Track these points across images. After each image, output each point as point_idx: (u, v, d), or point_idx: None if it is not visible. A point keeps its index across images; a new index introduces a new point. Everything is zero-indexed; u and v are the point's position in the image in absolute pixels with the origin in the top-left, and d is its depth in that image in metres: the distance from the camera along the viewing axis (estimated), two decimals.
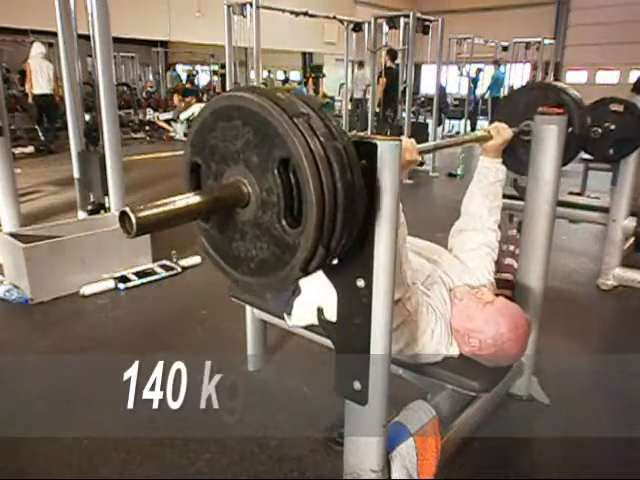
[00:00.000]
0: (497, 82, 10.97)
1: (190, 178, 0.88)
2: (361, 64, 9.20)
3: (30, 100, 7.54)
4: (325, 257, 0.80)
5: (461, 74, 10.91)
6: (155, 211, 0.72)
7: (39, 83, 7.24)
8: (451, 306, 1.46)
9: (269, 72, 16.44)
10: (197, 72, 15.35)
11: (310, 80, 13.66)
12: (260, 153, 0.78)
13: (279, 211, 0.78)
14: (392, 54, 6.87)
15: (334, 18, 7.33)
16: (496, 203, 1.68)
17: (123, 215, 0.70)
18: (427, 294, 1.44)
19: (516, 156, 1.74)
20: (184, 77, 14.07)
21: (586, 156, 4.18)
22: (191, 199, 0.76)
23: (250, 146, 0.78)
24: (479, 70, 11.53)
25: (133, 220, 0.69)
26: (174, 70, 14.29)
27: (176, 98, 10.54)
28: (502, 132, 1.62)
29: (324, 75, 14.34)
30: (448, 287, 1.52)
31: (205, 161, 0.86)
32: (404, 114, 6.44)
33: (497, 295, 1.48)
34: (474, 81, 11.29)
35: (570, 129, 1.64)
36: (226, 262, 0.90)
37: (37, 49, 7.26)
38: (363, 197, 0.82)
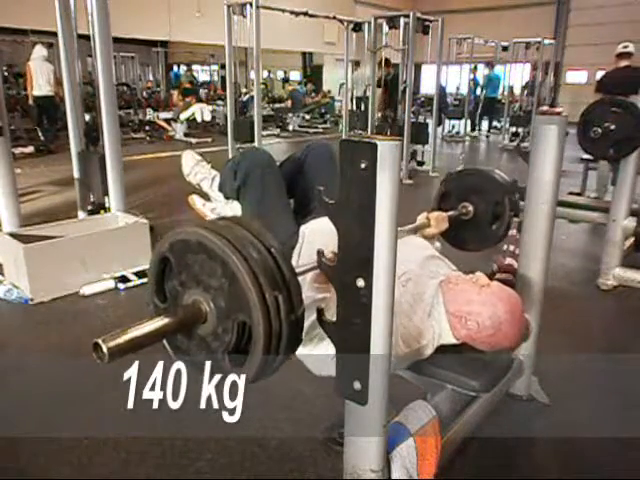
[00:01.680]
0: (491, 83, 10.97)
1: (158, 268, 0.96)
2: (357, 64, 9.23)
3: (30, 101, 7.54)
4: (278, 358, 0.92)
5: (470, 77, 10.91)
6: (125, 338, 0.84)
7: (39, 85, 7.25)
8: (445, 292, 1.46)
9: (269, 72, 16.45)
10: (197, 74, 15.35)
11: (309, 81, 13.68)
12: (228, 303, 0.87)
13: (226, 349, 0.89)
14: (387, 62, 6.94)
15: (334, 18, 7.33)
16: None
17: (96, 346, 0.80)
18: (400, 290, 1.44)
19: (457, 234, 1.86)
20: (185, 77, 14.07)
21: (586, 156, 4.19)
22: (158, 323, 0.88)
23: (222, 292, 0.87)
24: (476, 68, 11.53)
25: (104, 350, 0.80)
26: (188, 68, 14.24)
27: (175, 95, 10.53)
28: (440, 224, 1.75)
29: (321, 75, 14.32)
30: (432, 277, 1.52)
31: (178, 266, 0.93)
32: (404, 114, 6.43)
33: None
34: (474, 81, 11.30)
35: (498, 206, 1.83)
36: (172, 350, 1.03)
37: (39, 52, 7.26)
38: (298, 345, 0.94)
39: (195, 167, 2.03)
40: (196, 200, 2.08)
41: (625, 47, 4.89)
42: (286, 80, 16.20)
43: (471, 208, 1.85)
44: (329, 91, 14.10)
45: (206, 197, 2.08)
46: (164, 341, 1.00)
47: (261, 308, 0.82)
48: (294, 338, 0.89)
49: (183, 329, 0.92)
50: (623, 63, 4.91)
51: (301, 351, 1.34)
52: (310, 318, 1.30)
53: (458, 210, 1.85)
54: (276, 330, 0.84)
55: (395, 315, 1.35)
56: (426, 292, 1.47)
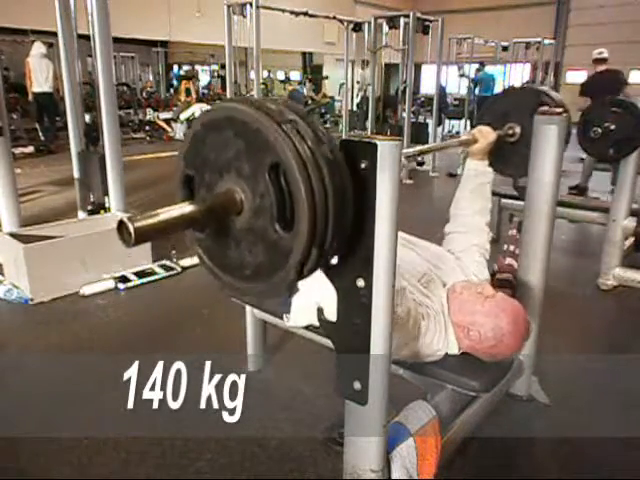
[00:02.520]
0: (483, 83, 10.95)
1: (183, 190, 0.89)
2: (364, 62, 9.24)
3: (30, 98, 7.55)
4: (319, 259, 0.82)
5: (462, 74, 10.90)
6: (151, 221, 0.74)
7: (39, 81, 7.25)
8: (449, 301, 1.47)
9: (269, 72, 16.44)
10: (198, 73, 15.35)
11: (308, 81, 13.65)
12: (251, 161, 0.80)
13: (272, 216, 0.79)
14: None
15: (334, 18, 7.33)
16: (486, 204, 1.71)
17: (121, 225, 0.71)
18: (424, 292, 1.45)
19: (502, 158, 1.76)
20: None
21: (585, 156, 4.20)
22: (186, 209, 0.79)
23: (241, 155, 0.80)
24: (478, 70, 11.52)
25: (131, 229, 0.70)
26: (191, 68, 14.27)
27: (183, 85, 10.52)
28: (486, 135, 1.65)
29: (326, 77, 14.31)
30: (444, 284, 1.53)
31: (198, 173, 0.87)
32: (404, 114, 6.44)
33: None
34: (474, 81, 11.29)
35: None
36: (222, 270, 0.91)
37: (37, 49, 7.27)
38: (351, 199, 0.84)
39: None
40: None
41: (600, 53, 5.25)
42: (286, 80, 16.20)
43: (518, 129, 1.73)
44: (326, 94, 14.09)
45: None
46: (209, 265, 0.92)
47: (281, 135, 0.75)
48: (338, 177, 0.79)
49: (216, 216, 0.83)
50: (601, 68, 5.21)
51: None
52: None
53: (504, 130, 1.73)
54: (310, 160, 0.76)
55: (424, 315, 1.37)
56: (442, 297, 1.48)
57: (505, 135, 1.73)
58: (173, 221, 0.77)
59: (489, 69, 11.57)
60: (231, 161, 0.82)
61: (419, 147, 1.47)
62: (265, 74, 15.53)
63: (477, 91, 11.01)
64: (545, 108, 1.59)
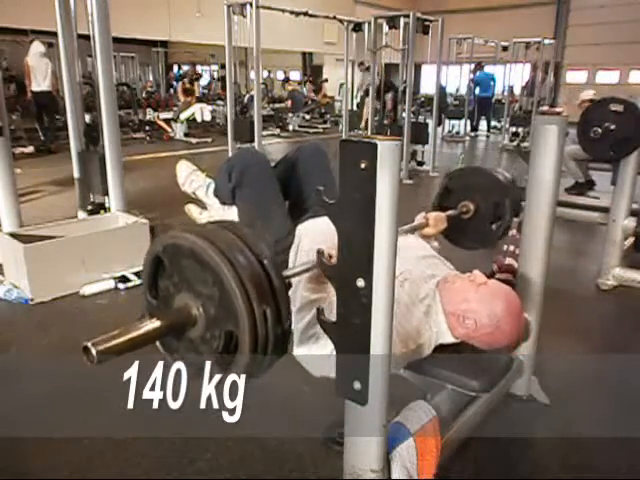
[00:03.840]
0: (481, 83, 10.95)
1: (151, 267, 0.98)
2: (362, 64, 9.27)
3: (29, 97, 7.54)
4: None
5: (470, 77, 10.91)
6: (115, 342, 0.84)
7: (38, 80, 7.25)
8: (442, 291, 1.47)
9: (269, 72, 16.44)
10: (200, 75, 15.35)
11: (308, 82, 13.66)
12: (217, 311, 0.89)
13: (215, 352, 0.91)
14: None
15: (334, 18, 7.34)
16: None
17: (85, 349, 0.80)
18: (397, 290, 1.44)
19: (458, 232, 1.86)
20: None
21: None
22: (149, 327, 0.89)
23: (212, 300, 0.89)
24: (475, 70, 11.52)
25: (94, 353, 0.80)
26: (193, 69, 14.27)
27: (180, 88, 10.53)
28: (438, 224, 1.74)
29: (326, 80, 14.31)
30: (432, 276, 1.53)
31: (172, 268, 0.95)
32: (404, 114, 6.44)
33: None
34: (474, 81, 11.29)
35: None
36: (164, 349, 1.03)
37: (36, 48, 7.27)
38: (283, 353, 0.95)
39: (190, 176, 2.03)
40: (192, 209, 2.09)
41: (587, 95, 5.10)
42: (286, 80, 16.22)
43: (472, 207, 1.84)
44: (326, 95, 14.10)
45: (202, 206, 2.08)
46: (158, 344, 1.02)
47: (249, 321, 0.84)
48: (280, 348, 0.91)
49: (173, 332, 0.94)
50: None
51: (298, 351, 1.35)
52: (306, 318, 1.30)
53: (458, 209, 1.85)
54: (262, 341, 0.87)
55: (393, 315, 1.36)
56: (422, 292, 1.47)
57: (460, 213, 1.84)
58: (136, 340, 0.88)
59: (489, 69, 11.59)
60: (202, 294, 0.90)
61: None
62: (265, 74, 15.54)
63: (477, 91, 11.04)
64: (545, 108, 1.59)
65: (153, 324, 0.89)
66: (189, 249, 0.88)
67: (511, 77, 10.75)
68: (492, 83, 11.13)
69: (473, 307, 1.39)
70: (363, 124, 7.54)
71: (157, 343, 1.02)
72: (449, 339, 1.44)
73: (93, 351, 0.79)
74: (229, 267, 0.84)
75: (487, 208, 1.83)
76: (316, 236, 1.55)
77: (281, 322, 0.89)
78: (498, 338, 1.40)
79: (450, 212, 1.81)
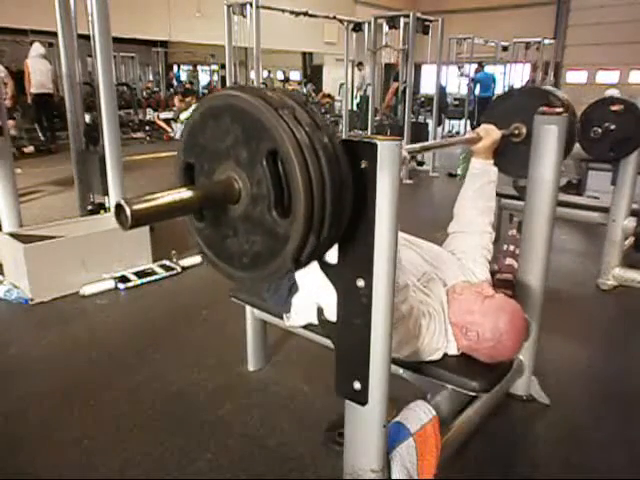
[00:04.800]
0: (482, 83, 10.95)
1: (184, 178, 0.90)
2: (360, 64, 9.27)
3: (29, 100, 7.55)
4: (316, 247, 0.81)
5: (461, 74, 10.91)
6: (149, 204, 0.74)
7: (37, 82, 7.25)
8: (449, 301, 1.47)
9: (269, 72, 16.44)
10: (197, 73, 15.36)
11: (309, 82, 13.67)
12: (249, 148, 0.79)
13: (269, 203, 0.79)
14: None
15: (334, 18, 7.33)
16: (489, 204, 1.70)
17: (118, 207, 0.70)
18: (424, 291, 1.45)
19: (507, 158, 1.75)
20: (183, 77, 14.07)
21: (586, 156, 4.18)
22: (184, 194, 0.78)
23: (239, 142, 0.80)
24: (477, 70, 11.52)
25: (128, 212, 0.70)
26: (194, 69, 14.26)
27: (176, 99, 10.54)
28: (491, 133, 1.65)
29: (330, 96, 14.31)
30: (444, 284, 1.53)
31: (198, 161, 0.87)
32: (404, 114, 6.44)
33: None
34: (474, 81, 11.29)
35: None
36: (220, 259, 0.91)
37: (36, 50, 7.27)
38: (349, 187, 0.83)
39: None
40: None
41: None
42: (286, 80, 16.22)
43: (524, 129, 1.72)
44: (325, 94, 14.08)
45: None
46: (210, 255, 0.92)
47: (279, 122, 0.74)
48: (335, 164, 0.78)
49: (214, 202, 0.84)
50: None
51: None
52: None
53: (510, 130, 1.73)
54: (308, 147, 0.75)
55: (429, 308, 1.37)
56: (442, 296, 1.48)
57: (510, 135, 1.72)
58: (171, 205, 0.77)
59: (489, 69, 11.59)
60: (229, 149, 0.82)
61: (421, 144, 1.46)
62: (265, 74, 15.52)
63: (477, 91, 11.03)
64: (545, 108, 1.59)
65: (191, 191, 0.79)
66: (200, 115, 0.84)
67: (511, 77, 10.76)
68: (492, 84, 11.13)
69: (477, 319, 1.39)
70: (385, 105, 7.43)
71: (205, 250, 0.92)
72: (453, 350, 1.44)
73: (127, 210, 0.69)
74: (242, 92, 0.78)
75: None
76: None
77: (319, 127, 0.78)
78: (500, 352, 1.40)
79: (502, 131, 1.70)
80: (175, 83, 14.97)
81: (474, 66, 11.16)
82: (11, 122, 6.93)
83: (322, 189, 0.77)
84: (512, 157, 1.75)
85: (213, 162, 0.85)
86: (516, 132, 1.72)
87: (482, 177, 1.68)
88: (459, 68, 11.05)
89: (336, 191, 0.79)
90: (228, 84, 6.36)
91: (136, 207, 0.71)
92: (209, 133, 0.84)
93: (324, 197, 0.77)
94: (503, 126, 1.72)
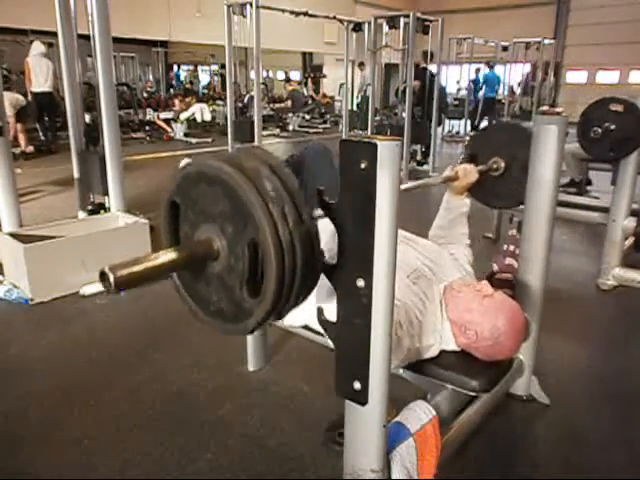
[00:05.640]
0: (488, 83, 10.97)
1: (168, 217, 0.95)
2: (362, 64, 9.27)
3: (30, 98, 7.54)
4: (276, 318, 0.90)
5: (458, 81, 10.93)
6: (133, 269, 0.80)
7: (38, 81, 7.25)
8: (447, 299, 1.47)
9: (267, 72, 16.45)
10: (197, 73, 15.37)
11: (310, 80, 13.66)
12: (234, 226, 0.84)
13: (242, 279, 0.85)
14: (425, 56, 6.93)
15: (334, 18, 7.33)
16: (465, 231, 1.78)
17: (102, 275, 0.76)
18: (412, 288, 1.45)
19: (487, 191, 1.82)
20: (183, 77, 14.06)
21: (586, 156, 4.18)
22: (168, 256, 0.84)
23: (227, 217, 0.85)
24: (478, 70, 11.53)
25: (111, 279, 0.76)
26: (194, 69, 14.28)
27: (177, 101, 10.55)
28: (468, 175, 1.70)
29: (324, 75, 14.33)
30: (441, 281, 1.53)
31: (185, 205, 0.92)
32: (404, 114, 6.43)
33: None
34: (474, 81, 11.30)
35: None
36: (190, 296, 0.97)
37: (37, 49, 7.26)
38: (319, 269, 0.90)
39: None
40: None
41: None
42: (287, 80, 16.23)
43: (502, 163, 1.77)
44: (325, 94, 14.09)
45: None
46: (180, 291, 0.98)
47: (266, 218, 0.78)
48: (309, 253, 0.83)
49: (194, 263, 0.88)
50: None
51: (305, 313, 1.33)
52: None
53: (489, 164, 1.78)
54: (287, 242, 0.79)
55: (409, 308, 1.36)
56: (435, 294, 1.47)
57: (489, 169, 1.78)
58: (155, 269, 0.82)
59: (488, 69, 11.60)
60: (216, 216, 0.86)
61: (412, 183, 1.57)
62: (265, 74, 15.52)
63: (482, 91, 11.03)
64: (545, 108, 1.59)
65: (173, 253, 0.84)
66: (197, 173, 0.86)
67: (511, 77, 10.76)
68: (497, 85, 11.15)
69: (476, 318, 1.39)
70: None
71: (185, 297, 0.97)
72: (452, 346, 1.44)
73: (111, 277, 0.75)
74: (237, 172, 0.80)
75: (518, 166, 1.74)
76: (325, 235, 1.56)
77: (303, 221, 0.81)
78: (498, 351, 1.40)
79: (480, 167, 1.75)
80: (175, 83, 14.95)
81: (474, 66, 11.18)
82: (19, 126, 6.95)
83: (292, 279, 0.83)
84: (491, 190, 1.83)
85: (199, 217, 0.89)
86: (494, 166, 1.79)
87: (456, 210, 1.77)
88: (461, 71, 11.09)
89: (306, 281, 0.86)
90: (228, 84, 6.35)
91: (120, 274, 0.77)
92: (201, 192, 0.87)
93: (293, 286, 0.83)
94: (483, 160, 1.79)
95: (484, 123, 11.64)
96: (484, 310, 1.39)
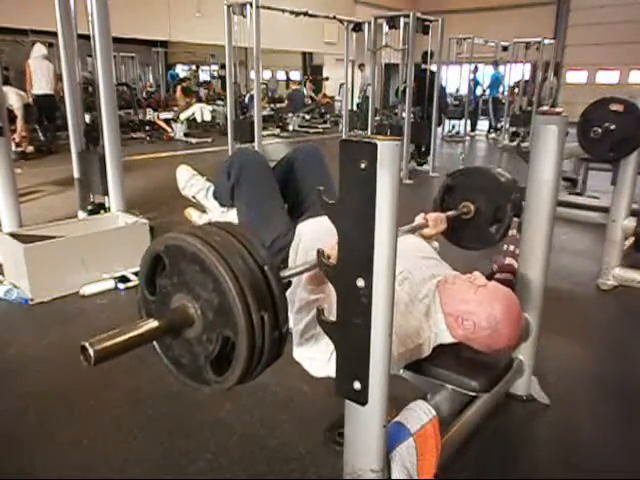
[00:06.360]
0: (495, 82, 10.99)
1: (151, 264, 0.96)
2: (362, 65, 9.27)
3: (30, 100, 7.54)
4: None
5: (470, 77, 10.92)
6: (113, 342, 0.82)
7: (39, 83, 7.25)
8: (441, 292, 1.47)
9: (272, 72, 16.45)
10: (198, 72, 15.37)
11: (308, 82, 13.66)
12: (215, 317, 0.88)
13: (208, 357, 0.90)
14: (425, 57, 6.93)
15: (334, 18, 7.33)
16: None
17: (83, 348, 0.78)
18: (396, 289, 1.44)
19: (458, 233, 1.87)
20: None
21: (586, 156, 4.18)
22: (148, 327, 0.88)
23: (211, 305, 0.88)
24: (476, 69, 11.53)
25: (91, 353, 0.78)
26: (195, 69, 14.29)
27: (179, 89, 10.52)
28: (438, 225, 1.73)
29: (327, 78, 14.30)
30: (432, 276, 1.53)
31: (172, 267, 0.93)
32: (404, 114, 6.44)
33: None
34: (474, 81, 11.30)
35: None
36: (165, 355, 1.02)
37: (38, 51, 7.26)
38: (281, 351, 0.94)
39: (190, 180, 2.04)
40: (192, 213, 2.09)
41: None
42: (287, 80, 16.23)
43: (472, 207, 1.84)
44: (332, 96, 14.07)
45: (202, 209, 2.08)
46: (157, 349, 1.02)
47: (247, 328, 0.84)
48: (275, 353, 0.91)
49: (171, 332, 0.93)
50: None
51: (298, 352, 1.35)
52: (305, 319, 1.30)
53: (459, 209, 1.84)
54: (259, 347, 0.86)
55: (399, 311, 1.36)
56: (422, 292, 1.47)
57: (460, 214, 1.83)
58: (135, 340, 0.86)
59: (489, 69, 11.60)
60: (201, 298, 0.89)
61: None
62: (268, 75, 15.53)
63: (479, 91, 11.03)
64: (545, 108, 1.59)
65: (151, 324, 0.88)
66: (191, 253, 0.88)
67: (511, 77, 10.76)
68: (499, 84, 11.16)
69: (472, 309, 1.39)
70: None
71: (157, 347, 1.02)
72: (448, 339, 1.45)
73: (90, 351, 0.78)
74: (230, 275, 0.84)
75: (487, 210, 1.83)
76: (316, 235, 1.55)
77: (278, 327, 0.88)
78: (496, 340, 1.40)
79: (450, 213, 1.81)
80: (170, 81, 14.88)
81: (474, 66, 11.18)
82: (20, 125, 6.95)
83: (255, 371, 0.90)
84: (462, 232, 1.88)
85: (183, 286, 0.92)
86: (465, 210, 1.84)
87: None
88: (461, 70, 11.09)
89: (270, 362, 0.92)
90: (228, 84, 6.35)
91: (99, 347, 0.79)
92: (193, 272, 0.89)
93: (254, 372, 0.90)
94: (455, 203, 1.87)
95: (484, 123, 11.66)
96: (480, 300, 1.40)
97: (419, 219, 1.74)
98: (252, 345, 0.85)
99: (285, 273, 1.05)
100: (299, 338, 1.32)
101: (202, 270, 0.87)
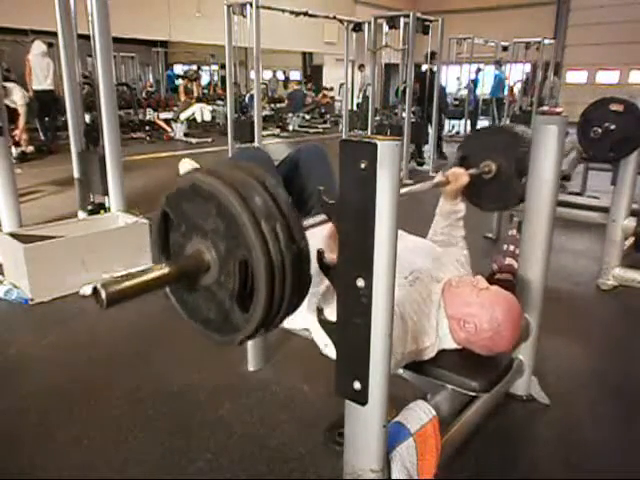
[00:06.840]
0: (499, 83, 10.97)
1: (159, 225, 0.95)
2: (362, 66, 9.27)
3: (31, 94, 7.54)
4: (264, 333, 0.91)
5: (470, 78, 10.91)
6: (125, 285, 0.79)
7: (39, 79, 7.26)
8: (446, 295, 1.47)
9: (274, 72, 16.44)
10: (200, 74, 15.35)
11: (309, 82, 13.66)
12: (226, 244, 0.85)
13: (232, 294, 0.85)
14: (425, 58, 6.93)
15: (334, 18, 7.33)
16: (461, 234, 1.79)
17: (95, 290, 0.76)
18: (407, 289, 1.45)
19: (479, 193, 1.84)
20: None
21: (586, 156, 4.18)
22: (160, 272, 0.84)
23: (219, 234, 0.85)
24: (479, 70, 11.52)
25: (103, 295, 0.75)
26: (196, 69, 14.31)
27: (181, 87, 10.52)
28: (459, 178, 1.71)
29: (331, 89, 14.25)
30: (438, 280, 1.53)
31: (177, 217, 0.92)
32: (404, 114, 6.44)
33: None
34: (474, 81, 11.29)
35: None
36: (181, 306, 0.98)
37: (38, 48, 7.28)
38: (307, 291, 0.90)
39: None
40: (188, 162, 2.08)
41: None
42: (287, 80, 16.22)
43: (494, 166, 1.79)
44: (331, 88, 14.05)
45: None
46: (173, 300, 0.99)
47: (258, 238, 0.79)
48: (300, 273, 0.84)
49: (185, 277, 0.89)
50: None
51: (306, 321, 1.34)
52: (327, 281, 1.27)
53: (480, 168, 1.79)
54: (278, 264, 0.80)
55: (404, 311, 1.36)
56: (433, 294, 1.48)
57: (481, 173, 1.80)
58: (147, 284, 0.82)
59: (490, 69, 11.59)
60: (209, 232, 0.86)
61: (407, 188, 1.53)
62: (269, 75, 15.51)
63: (477, 91, 11.02)
64: (545, 108, 1.59)
65: (165, 269, 0.85)
66: (190, 187, 0.86)
67: (511, 77, 10.76)
68: (501, 84, 11.14)
69: (474, 311, 1.40)
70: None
71: (176, 305, 0.98)
72: (451, 344, 1.45)
73: (103, 293, 0.75)
74: (230, 190, 0.81)
75: (509, 165, 1.76)
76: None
77: (295, 240, 0.82)
78: (498, 343, 1.41)
79: (471, 170, 1.76)
80: (170, 78, 14.86)
81: (474, 67, 11.17)
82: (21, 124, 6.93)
83: (281, 299, 0.84)
84: (483, 193, 1.84)
85: (192, 230, 0.89)
86: (486, 169, 1.80)
87: (451, 216, 1.77)
88: (460, 73, 11.08)
89: (295, 301, 0.87)
90: (228, 84, 6.35)
91: (111, 289, 0.76)
92: (195, 207, 0.87)
93: (282, 304, 0.85)
94: (475, 163, 1.80)
95: (480, 122, 11.63)
96: (481, 302, 1.41)
97: (439, 177, 1.72)
98: (270, 261, 0.79)
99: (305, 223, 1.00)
100: (319, 301, 1.29)
101: (203, 198, 0.85)
